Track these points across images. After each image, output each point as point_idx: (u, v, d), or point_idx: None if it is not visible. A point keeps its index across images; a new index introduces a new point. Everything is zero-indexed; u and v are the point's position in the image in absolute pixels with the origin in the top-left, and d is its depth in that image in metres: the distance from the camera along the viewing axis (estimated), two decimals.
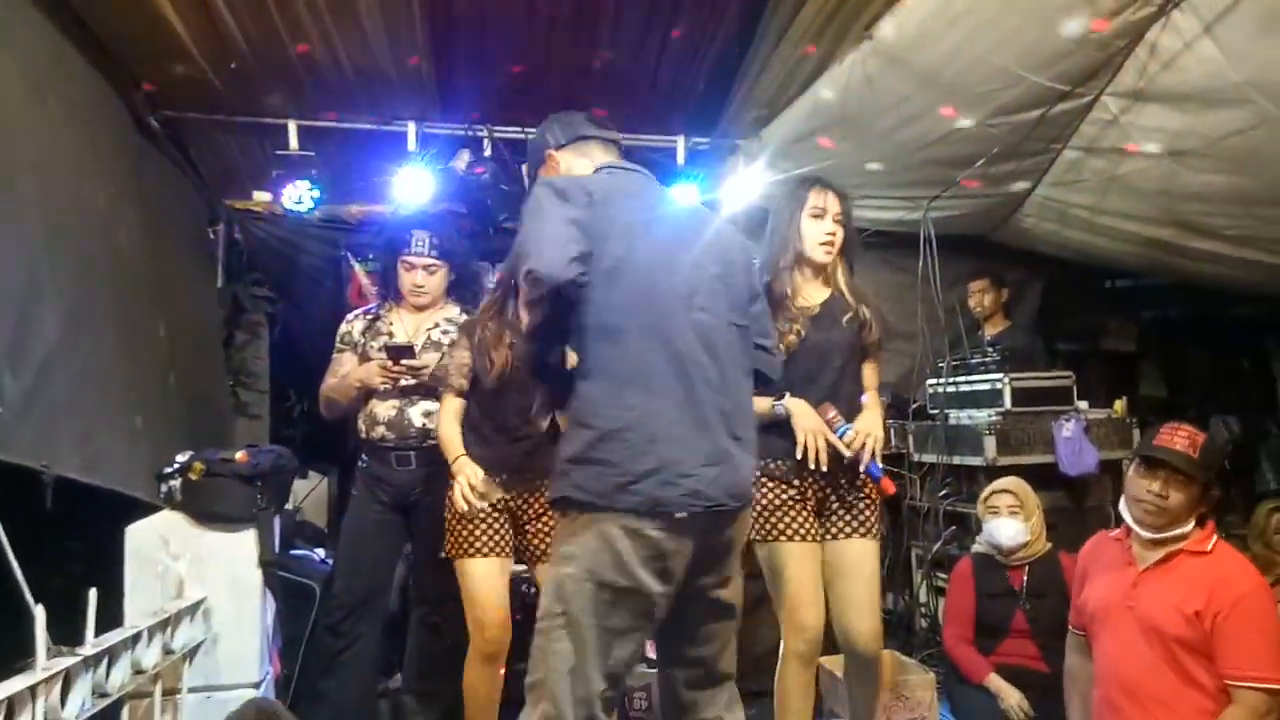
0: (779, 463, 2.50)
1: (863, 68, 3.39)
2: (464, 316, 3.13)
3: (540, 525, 2.72)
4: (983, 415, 3.96)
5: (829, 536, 2.56)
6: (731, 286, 1.97)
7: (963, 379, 4.15)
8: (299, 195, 3.97)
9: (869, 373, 2.69)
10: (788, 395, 2.47)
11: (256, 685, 2.72)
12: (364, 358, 3.07)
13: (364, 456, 3.10)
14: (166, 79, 3.55)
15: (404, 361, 2.90)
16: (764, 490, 2.51)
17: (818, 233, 2.60)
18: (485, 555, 2.64)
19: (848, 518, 2.55)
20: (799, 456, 2.42)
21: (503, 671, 2.70)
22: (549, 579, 1.79)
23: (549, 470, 2.54)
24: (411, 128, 4.09)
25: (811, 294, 2.65)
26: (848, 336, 2.59)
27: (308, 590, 3.25)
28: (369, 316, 3.19)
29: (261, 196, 4.25)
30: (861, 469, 2.48)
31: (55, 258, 2.66)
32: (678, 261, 1.89)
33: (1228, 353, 6.15)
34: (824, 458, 2.42)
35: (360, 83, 3.74)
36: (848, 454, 2.45)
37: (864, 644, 2.50)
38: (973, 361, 4.20)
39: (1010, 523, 3.22)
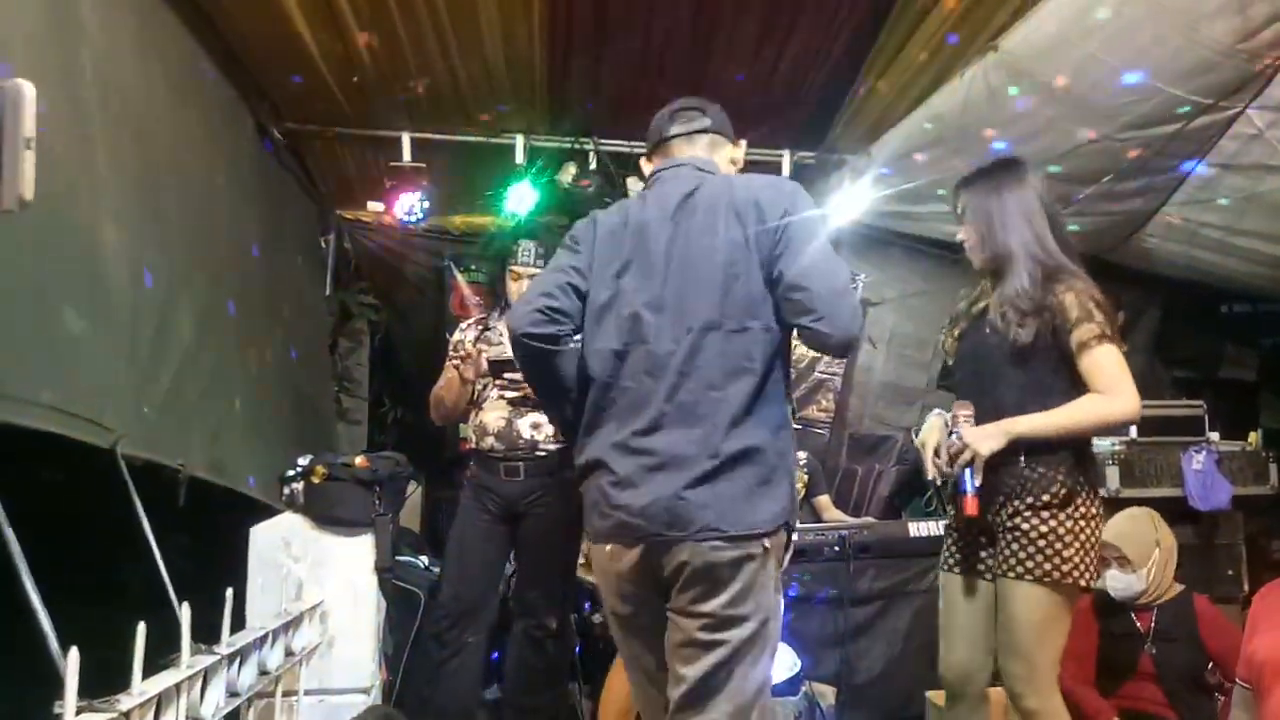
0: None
1: (985, 80, 3.28)
2: None
3: None
4: (1105, 444, 3.78)
5: (991, 571, 2.31)
6: (739, 277, 1.81)
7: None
8: (409, 206, 4.05)
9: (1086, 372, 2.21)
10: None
11: (367, 690, 2.73)
12: (475, 367, 3.08)
13: (471, 465, 3.11)
14: (290, 90, 3.65)
15: (507, 375, 2.92)
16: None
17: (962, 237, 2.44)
18: None
19: (1004, 553, 2.24)
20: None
21: None
22: None
23: None
24: (520, 140, 4.13)
25: (979, 296, 2.46)
26: (998, 340, 2.28)
27: (413, 597, 3.27)
28: (479, 327, 3.22)
29: (375, 207, 4.34)
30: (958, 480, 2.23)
31: (190, 261, 2.74)
32: (675, 281, 1.84)
33: None
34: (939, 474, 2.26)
35: (473, 97, 3.79)
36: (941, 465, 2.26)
37: (1008, 682, 2.30)
38: None
39: (1119, 575, 3.04)
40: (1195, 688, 2.93)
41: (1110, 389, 2.18)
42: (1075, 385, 2.21)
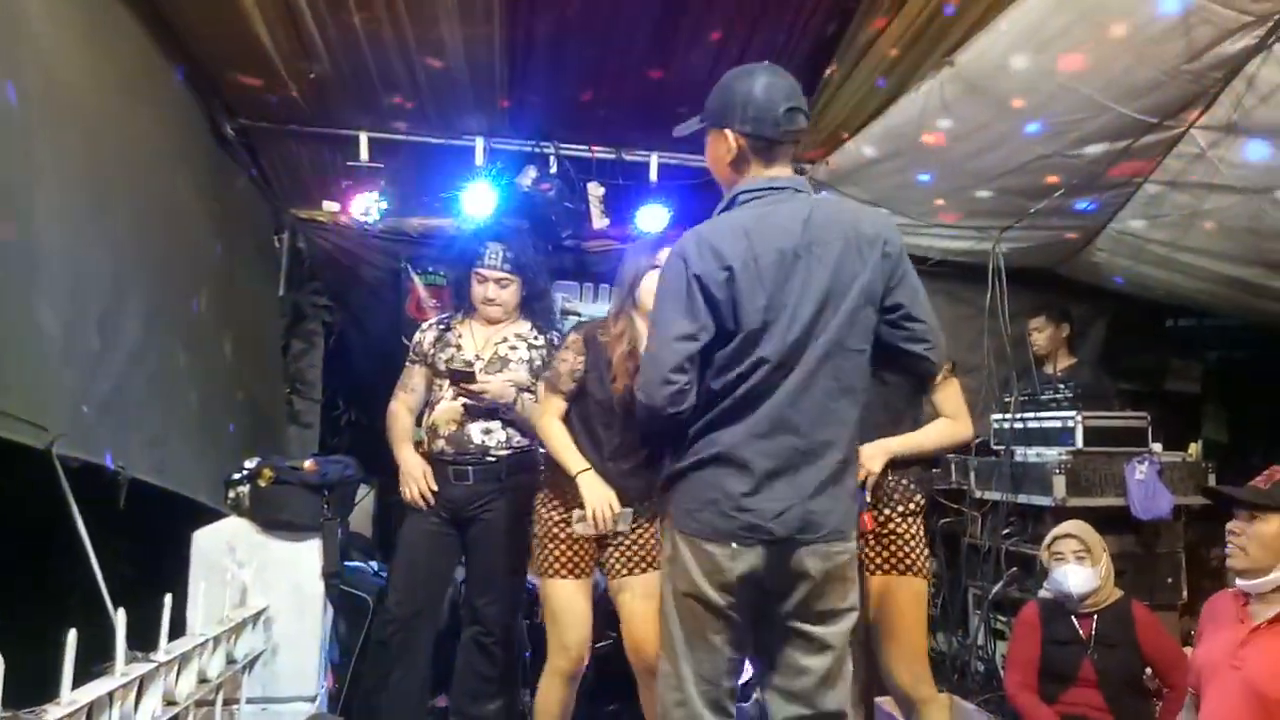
0: None
1: (941, 94, 3.34)
2: (534, 332, 3.09)
3: (623, 541, 2.62)
4: (1052, 453, 3.85)
5: (870, 571, 2.59)
6: (864, 307, 1.85)
7: (1031, 415, 4.04)
8: (366, 206, 4.00)
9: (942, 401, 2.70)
10: None
11: (312, 699, 2.69)
12: (433, 369, 3.04)
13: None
14: (245, 87, 3.59)
15: (464, 386, 2.86)
16: None
17: None
18: (573, 577, 2.59)
19: (876, 551, 2.58)
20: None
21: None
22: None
23: (641, 493, 2.55)
24: (480, 143, 4.11)
25: None
26: None
27: (362, 603, 3.22)
28: (440, 328, 3.14)
29: (330, 206, 4.28)
30: None
31: (137, 260, 2.68)
32: (807, 308, 1.81)
33: None
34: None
35: (433, 97, 3.76)
36: None
37: (900, 683, 2.58)
38: (1043, 398, 4.09)
39: (1079, 569, 3.10)
40: (1134, 692, 3.00)
41: (956, 416, 2.72)
42: (920, 410, 2.71)
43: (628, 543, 2.62)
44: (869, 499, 2.49)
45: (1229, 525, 2.19)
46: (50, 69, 2.20)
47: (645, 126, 4.13)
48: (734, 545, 1.79)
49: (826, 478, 1.83)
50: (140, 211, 2.72)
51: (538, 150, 4.20)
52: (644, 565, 2.58)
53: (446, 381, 2.97)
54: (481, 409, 2.93)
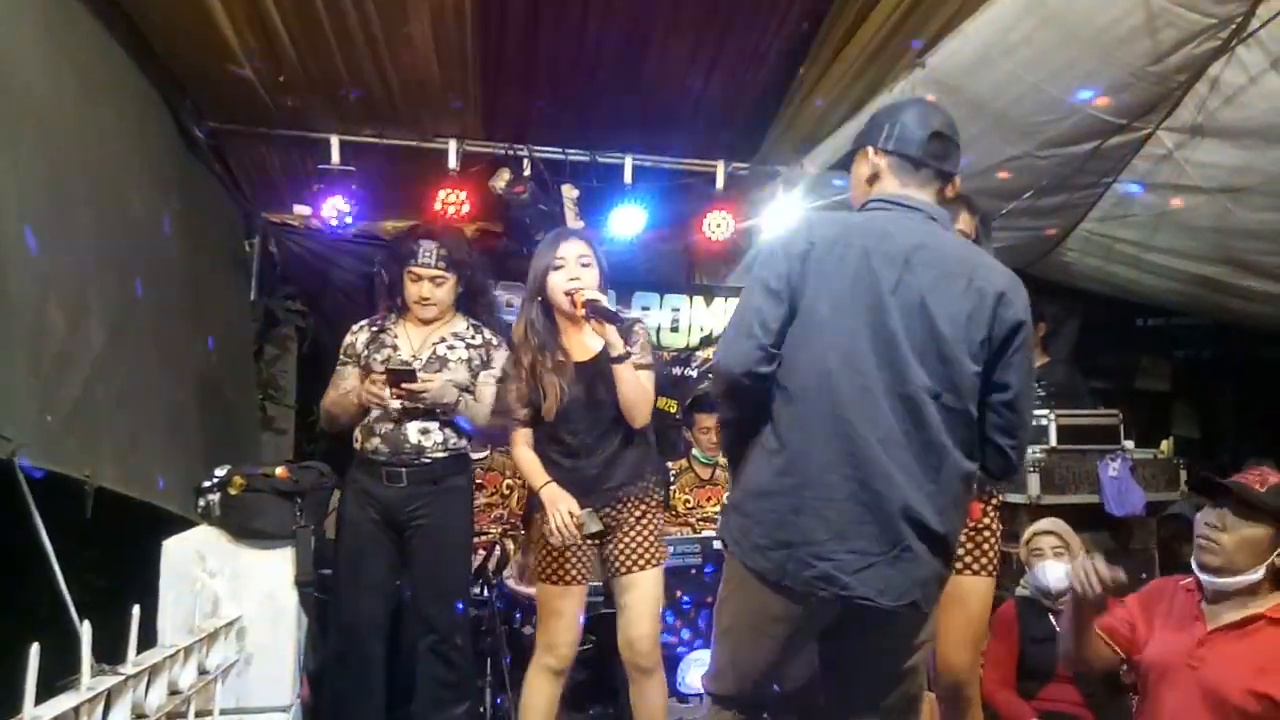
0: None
1: (914, 95, 3.36)
2: (471, 330, 3.05)
3: (624, 537, 2.60)
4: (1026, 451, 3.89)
5: None
6: (957, 356, 1.70)
7: None
8: (337, 210, 3.96)
9: None
10: None
11: (287, 709, 2.65)
12: (367, 370, 2.94)
13: (352, 469, 2.97)
14: (214, 90, 3.55)
15: (404, 386, 2.78)
16: None
17: None
18: (563, 583, 2.56)
19: (965, 549, 2.47)
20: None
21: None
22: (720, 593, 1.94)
23: (624, 483, 2.54)
24: (453, 145, 4.09)
25: None
26: None
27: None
28: (374, 329, 3.06)
29: (301, 210, 4.24)
30: None
31: (102, 267, 2.63)
32: (895, 324, 1.70)
33: (1261, 394, 6.06)
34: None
35: (405, 100, 3.73)
36: None
37: (956, 677, 2.48)
38: None
39: (1057, 565, 3.13)
40: (1111, 688, 3.02)
41: None
42: None
43: (628, 539, 2.59)
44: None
45: (1206, 517, 2.09)
46: (7, 73, 2.15)
47: (618, 128, 4.13)
48: (804, 593, 1.71)
49: (929, 540, 1.71)
50: (104, 215, 2.67)
51: (511, 153, 4.18)
52: (644, 563, 2.55)
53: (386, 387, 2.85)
54: (420, 409, 2.86)
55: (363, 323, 3.12)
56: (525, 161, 4.18)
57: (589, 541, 2.57)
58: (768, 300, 1.75)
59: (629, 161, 4.33)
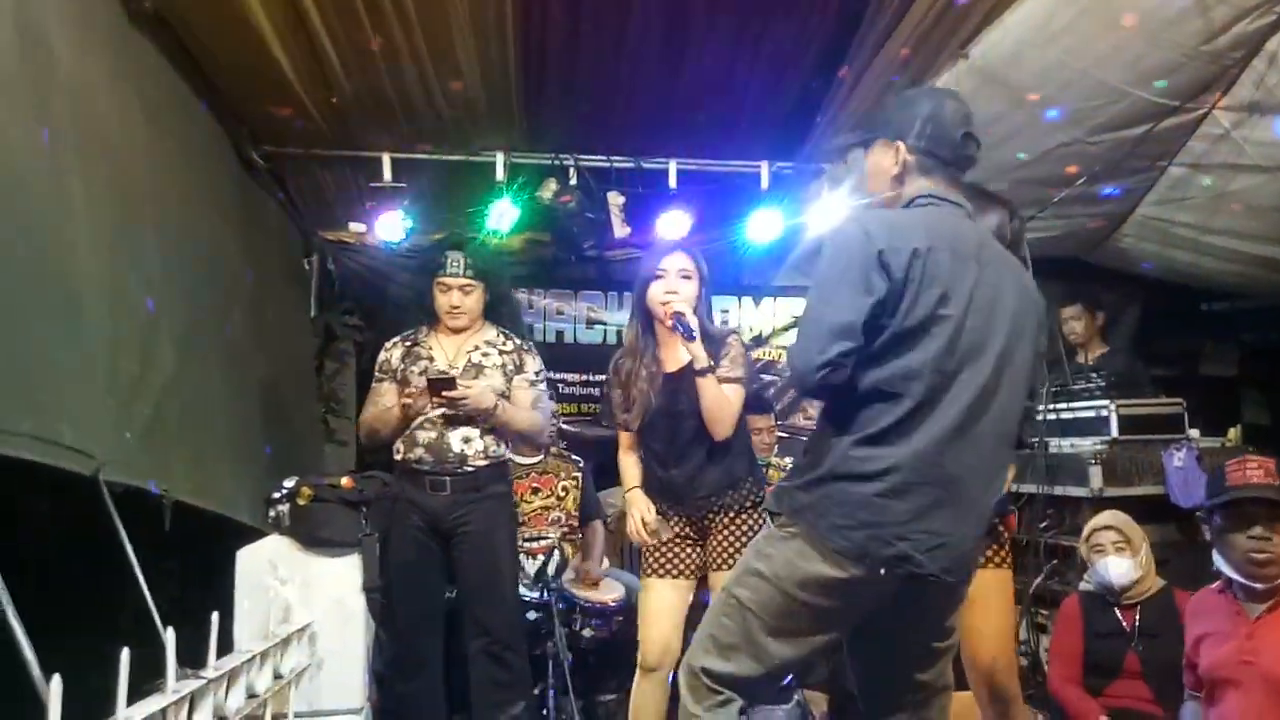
0: None
1: (958, 86, 3.33)
2: (502, 338, 3.11)
3: (717, 535, 2.67)
4: (1087, 444, 3.81)
5: None
6: (1024, 349, 1.83)
7: (1064, 405, 4.00)
8: (391, 226, 4.06)
9: None
10: None
11: (358, 711, 2.73)
12: (404, 384, 3.00)
13: (395, 479, 3.04)
14: (269, 115, 3.67)
15: (445, 394, 2.84)
16: None
17: None
18: (661, 576, 2.65)
19: (983, 545, 2.45)
20: None
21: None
22: (741, 563, 1.90)
23: (712, 493, 2.62)
24: (500, 158, 4.15)
25: None
26: None
27: None
28: (407, 343, 3.13)
29: (356, 228, 4.36)
30: None
31: (170, 287, 2.75)
32: (1000, 324, 1.78)
33: None
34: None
35: (452, 115, 3.82)
36: None
37: (996, 676, 2.42)
38: (1075, 387, 4.04)
39: (1119, 560, 3.06)
40: (1181, 683, 2.95)
41: None
42: None
43: (720, 537, 2.66)
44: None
45: (1249, 533, 2.08)
46: (80, 107, 2.27)
47: (662, 133, 4.16)
48: (882, 571, 1.72)
49: (978, 521, 1.82)
50: (171, 240, 2.80)
51: (557, 163, 4.23)
52: (734, 561, 2.58)
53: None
54: (461, 417, 2.92)
55: (395, 339, 3.19)
56: (571, 171, 4.24)
57: (684, 539, 2.68)
58: (862, 299, 1.71)
59: (673, 166, 4.35)
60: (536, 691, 3.17)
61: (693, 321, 2.52)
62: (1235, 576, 2.15)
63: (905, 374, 1.72)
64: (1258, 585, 2.11)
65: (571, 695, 3.08)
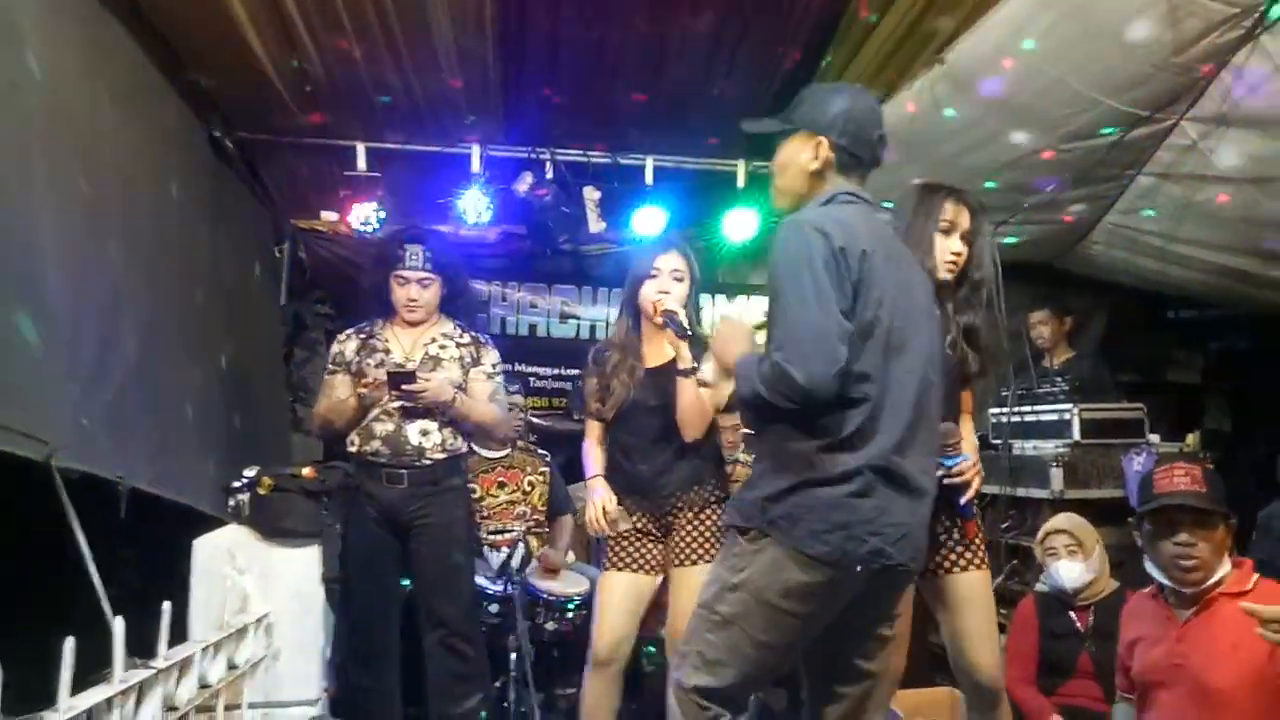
0: None
1: (932, 91, 3.36)
2: (458, 330, 3.11)
3: (680, 531, 2.68)
4: (1049, 446, 3.85)
5: (947, 569, 2.43)
6: (938, 337, 1.95)
7: (1028, 409, 4.04)
8: (365, 215, 4.04)
9: (966, 400, 2.59)
10: None
11: (314, 702, 2.72)
12: (359, 377, 2.96)
13: (351, 470, 3.01)
14: (243, 101, 3.64)
15: (404, 387, 2.83)
16: None
17: (944, 250, 2.40)
18: (621, 570, 2.66)
19: (962, 549, 2.43)
20: None
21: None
22: (713, 578, 1.89)
23: (677, 491, 2.63)
24: (476, 150, 4.14)
25: None
26: (949, 362, 2.40)
27: None
28: (362, 335, 3.09)
29: (329, 216, 4.33)
30: (962, 501, 2.37)
31: (134, 275, 2.72)
32: (921, 319, 1.86)
33: None
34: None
35: (429, 106, 3.79)
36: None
37: (987, 676, 2.40)
38: (1039, 391, 4.09)
39: (1071, 564, 3.11)
40: None
41: (971, 411, 2.66)
42: None
43: (685, 533, 2.66)
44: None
45: (1182, 537, 2.09)
46: (47, 88, 2.24)
47: (640, 129, 4.16)
48: (858, 568, 1.75)
49: (928, 504, 1.89)
50: (138, 225, 2.77)
51: (534, 156, 4.22)
52: (694, 558, 2.62)
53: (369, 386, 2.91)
54: (418, 410, 2.91)
55: (349, 331, 3.16)
56: (547, 165, 4.23)
57: (644, 533, 2.68)
58: (832, 305, 1.71)
59: (650, 163, 4.36)
60: (498, 684, 3.18)
61: (685, 320, 2.55)
62: (1164, 581, 2.19)
63: (860, 376, 1.74)
64: (1185, 590, 2.14)
65: (531, 688, 3.08)
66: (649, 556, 2.70)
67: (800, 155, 1.90)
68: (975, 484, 2.38)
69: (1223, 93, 2.99)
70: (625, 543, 2.69)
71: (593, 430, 2.79)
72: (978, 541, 2.46)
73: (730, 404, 4.23)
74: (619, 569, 2.67)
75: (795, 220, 1.78)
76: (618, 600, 2.66)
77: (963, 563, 2.42)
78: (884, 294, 1.77)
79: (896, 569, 1.80)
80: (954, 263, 2.40)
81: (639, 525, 2.69)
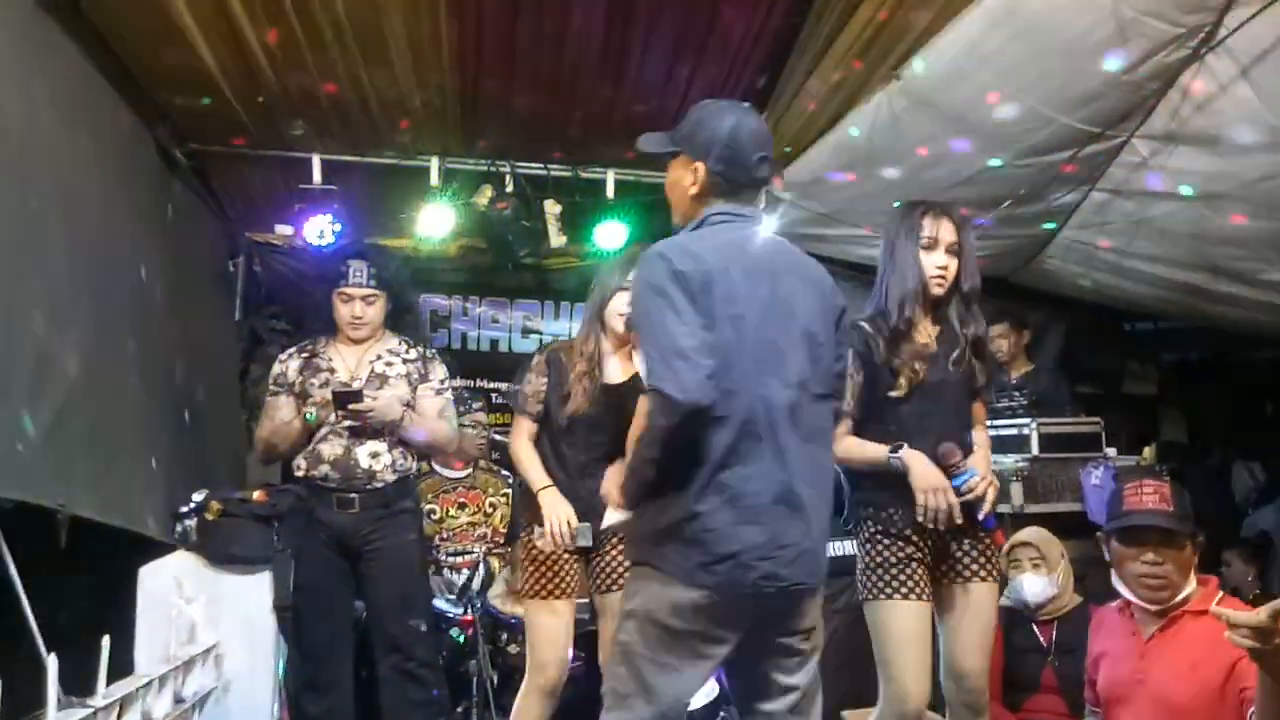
0: (892, 513, 2.37)
1: (889, 107, 3.37)
2: (404, 346, 3.05)
3: (609, 552, 2.64)
4: (1009, 460, 3.88)
5: (952, 578, 2.43)
6: (822, 350, 1.91)
7: (987, 423, 4.07)
8: (320, 229, 3.96)
9: (979, 411, 2.60)
10: (904, 446, 2.32)
11: None
12: (303, 397, 2.92)
13: (300, 494, 2.95)
14: (193, 111, 3.56)
15: (351, 407, 2.78)
16: (880, 546, 2.38)
17: (929, 266, 2.42)
18: (551, 597, 2.59)
19: (972, 558, 2.43)
20: (919, 517, 2.29)
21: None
22: (619, 613, 1.90)
23: None
24: (434, 163, 4.09)
25: (926, 330, 2.48)
26: (958, 375, 2.45)
27: None
28: (305, 354, 3.05)
29: (284, 230, 4.24)
30: (980, 516, 2.34)
31: (77, 293, 2.63)
32: (775, 331, 1.84)
33: (1249, 396, 6.07)
34: (943, 518, 2.27)
35: (385, 118, 3.74)
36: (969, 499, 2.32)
37: (973, 682, 2.40)
38: (998, 405, 4.12)
39: (1034, 579, 3.12)
40: None
41: (983, 421, 2.65)
42: None
43: (611, 556, 2.62)
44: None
45: (1150, 555, 2.11)
46: None
47: (601, 142, 4.14)
48: (750, 593, 1.77)
49: (823, 520, 1.87)
50: (78, 240, 2.67)
51: (493, 169, 4.18)
52: (624, 581, 2.55)
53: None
54: (366, 431, 2.86)
55: (290, 350, 3.11)
56: (507, 177, 4.18)
57: (573, 555, 2.60)
58: (688, 318, 1.76)
59: (611, 176, 4.34)
60: (460, 709, 3.11)
61: None
62: (1131, 598, 2.20)
63: (725, 393, 1.75)
64: (1152, 608, 2.16)
65: (493, 713, 3.02)
66: (573, 579, 2.64)
67: (683, 179, 1.94)
68: (990, 496, 2.35)
69: (1171, 111, 3.05)
70: (546, 568, 2.60)
71: (524, 429, 2.68)
72: (991, 553, 2.46)
73: None
74: (543, 597, 2.59)
75: (646, 251, 1.86)
76: (556, 625, 2.61)
77: (975, 572, 2.43)
78: (746, 310, 1.80)
79: (791, 589, 1.81)
80: (941, 277, 2.43)
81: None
